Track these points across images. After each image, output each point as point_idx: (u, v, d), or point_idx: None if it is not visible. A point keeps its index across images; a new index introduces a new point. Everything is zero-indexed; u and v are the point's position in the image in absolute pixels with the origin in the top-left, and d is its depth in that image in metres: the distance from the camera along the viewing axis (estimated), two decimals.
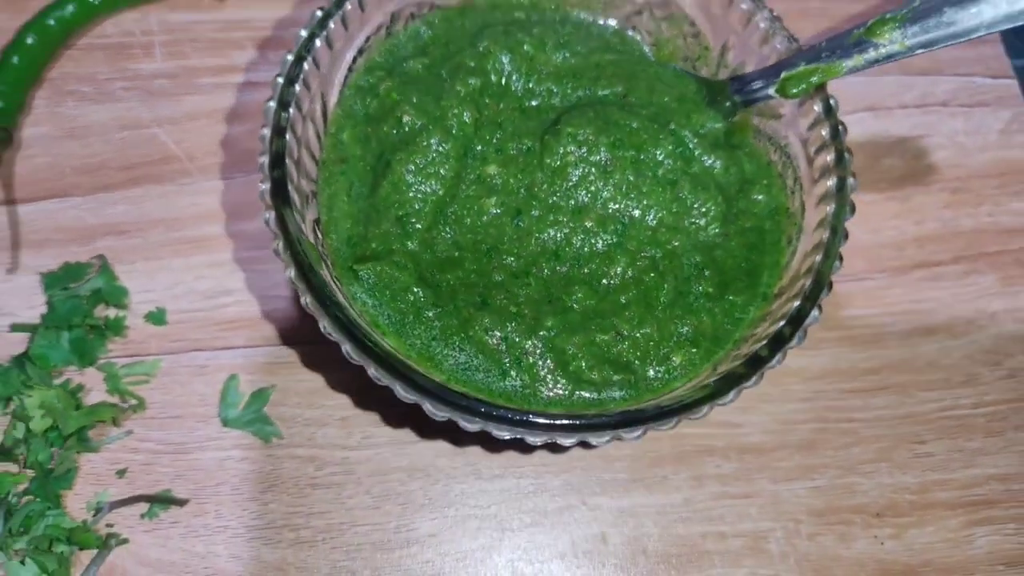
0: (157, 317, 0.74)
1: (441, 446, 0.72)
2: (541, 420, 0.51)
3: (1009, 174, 0.84)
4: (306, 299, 0.54)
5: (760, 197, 0.64)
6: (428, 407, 0.52)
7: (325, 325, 0.53)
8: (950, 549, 0.71)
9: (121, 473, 0.70)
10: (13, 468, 0.69)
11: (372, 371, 0.53)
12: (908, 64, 0.87)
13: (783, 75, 0.62)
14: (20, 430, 0.70)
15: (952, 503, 0.73)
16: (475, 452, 0.72)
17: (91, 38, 0.85)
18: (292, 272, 0.54)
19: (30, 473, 0.69)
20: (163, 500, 0.69)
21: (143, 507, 0.69)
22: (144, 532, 0.69)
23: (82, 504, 0.69)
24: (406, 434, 0.72)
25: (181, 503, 0.69)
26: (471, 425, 0.52)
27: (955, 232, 0.81)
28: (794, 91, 0.61)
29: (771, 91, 0.63)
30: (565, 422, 0.52)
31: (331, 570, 0.68)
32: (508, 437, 0.52)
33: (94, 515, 0.69)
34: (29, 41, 0.80)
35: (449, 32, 0.69)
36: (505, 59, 0.66)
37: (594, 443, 0.52)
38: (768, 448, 0.73)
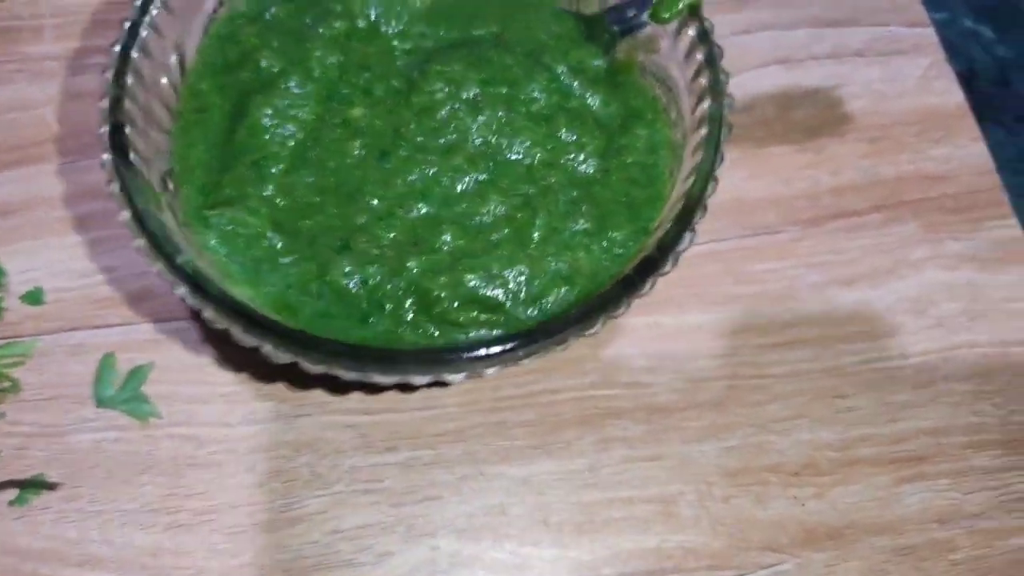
0: (34, 296, 0.71)
1: (330, 420, 0.68)
2: (388, 352, 0.48)
3: (929, 120, 0.81)
4: (139, 242, 0.51)
5: (643, 132, 0.61)
6: (268, 348, 0.49)
7: (160, 269, 0.50)
8: (878, 508, 0.67)
9: None
10: None
11: (208, 314, 0.49)
12: (820, 16, 0.85)
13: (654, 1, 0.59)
14: None
15: (878, 459, 0.68)
16: (366, 424, 0.68)
17: None
18: (125, 215, 0.51)
19: None
20: (34, 485, 0.65)
21: (12, 493, 0.65)
22: (13, 520, 0.64)
23: None
24: (292, 407, 0.68)
25: (52, 487, 0.65)
26: (315, 367, 0.48)
27: (874, 181, 0.78)
28: (665, 15, 0.58)
29: (644, 17, 0.60)
30: (414, 355, 0.48)
31: (209, 553, 0.64)
32: (352, 380, 0.48)
33: None
34: None
35: None
36: (373, 3, 0.63)
37: (448, 381, 0.48)
38: (677, 408, 0.69)
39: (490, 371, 0.48)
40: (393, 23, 0.64)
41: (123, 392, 0.68)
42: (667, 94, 0.62)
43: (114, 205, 0.72)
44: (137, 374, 0.68)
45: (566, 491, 0.66)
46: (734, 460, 0.67)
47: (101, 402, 0.68)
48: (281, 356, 0.49)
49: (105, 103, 0.54)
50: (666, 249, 0.51)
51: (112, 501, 0.65)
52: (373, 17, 0.63)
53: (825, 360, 0.71)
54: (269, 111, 0.58)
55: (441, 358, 0.48)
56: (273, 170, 0.58)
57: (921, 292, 0.74)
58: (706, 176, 0.53)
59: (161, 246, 0.50)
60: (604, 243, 0.57)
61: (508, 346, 0.48)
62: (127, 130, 0.53)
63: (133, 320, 0.71)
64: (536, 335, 0.48)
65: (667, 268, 0.51)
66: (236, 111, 0.60)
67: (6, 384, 0.68)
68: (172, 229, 0.52)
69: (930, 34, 0.85)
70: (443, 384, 0.65)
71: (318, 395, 0.68)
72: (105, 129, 0.53)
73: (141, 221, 0.51)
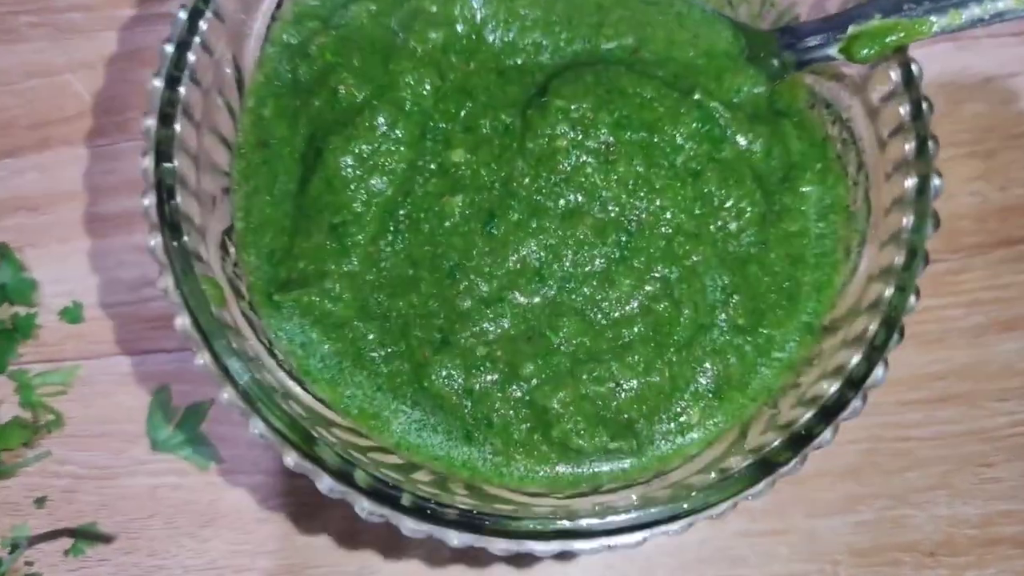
0: (73, 314, 0.63)
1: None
2: (503, 527, 0.39)
3: None
4: (202, 358, 0.41)
5: (810, 189, 0.49)
6: (363, 506, 0.40)
7: (227, 395, 0.41)
8: None
9: (40, 502, 0.61)
10: None
11: (289, 461, 0.40)
12: None
13: (851, 30, 0.46)
14: None
15: (1019, 539, 0.61)
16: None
17: None
18: (183, 321, 0.41)
19: None
20: (88, 535, 0.60)
21: (66, 543, 0.60)
22: (68, 572, 0.60)
23: None
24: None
25: (108, 539, 0.60)
26: (417, 529, 0.40)
27: None
28: (864, 53, 0.45)
29: (833, 51, 0.47)
30: (538, 528, 0.39)
31: None
32: (458, 544, 0.40)
33: (11, 552, 0.60)
34: None
35: None
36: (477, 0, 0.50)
37: (577, 551, 0.40)
38: (806, 475, 0.60)
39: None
40: (501, 28, 0.50)
41: (180, 433, 0.61)
42: (844, 138, 0.49)
43: None
44: (195, 413, 0.61)
45: (674, 566, 0.59)
46: (866, 537, 0.60)
47: (156, 445, 0.61)
48: (374, 517, 0.40)
49: (149, 161, 0.43)
50: (856, 385, 0.41)
51: (173, 556, 0.60)
52: (477, 20, 0.50)
53: (973, 421, 0.62)
54: (350, 159, 0.47)
55: (571, 532, 0.39)
56: (358, 237, 0.47)
57: None
58: (910, 289, 0.42)
59: (225, 369, 0.41)
60: (759, 343, 0.47)
61: (668, 526, 0.39)
62: (179, 198, 0.43)
63: (188, 345, 0.62)
64: (699, 508, 0.39)
65: (848, 413, 0.41)
66: (308, 150, 0.49)
67: (49, 417, 0.61)
68: (238, 328, 0.43)
69: None
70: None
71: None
72: (151, 202, 0.42)
73: (202, 330, 0.41)
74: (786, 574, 0.60)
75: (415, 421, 0.46)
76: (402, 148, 0.48)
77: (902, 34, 0.44)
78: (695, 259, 0.47)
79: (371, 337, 0.47)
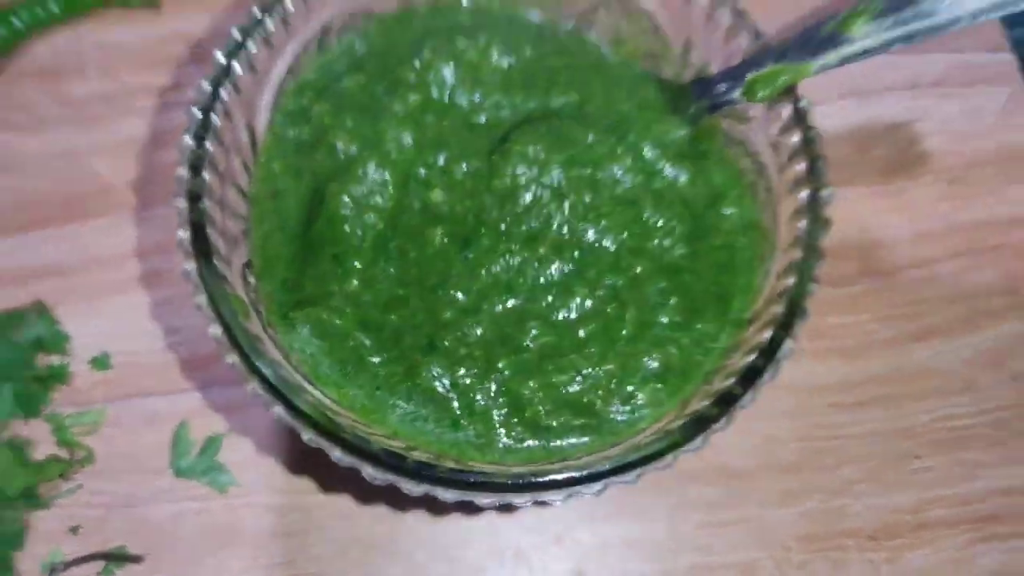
0: (101, 362, 0.70)
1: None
2: (487, 480, 0.47)
3: (1010, 160, 0.78)
4: (231, 359, 0.50)
5: (731, 211, 0.59)
6: (368, 471, 0.48)
7: (253, 388, 0.49)
8: (952, 570, 0.67)
9: (74, 530, 0.66)
10: None
11: (306, 436, 0.48)
12: None
13: (749, 76, 0.57)
14: None
15: (952, 520, 0.68)
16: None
17: (21, 63, 0.80)
18: (216, 329, 0.50)
19: None
20: (118, 558, 0.66)
21: (98, 566, 0.66)
22: None
23: (35, 564, 0.66)
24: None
25: (137, 560, 0.66)
26: (415, 489, 0.48)
27: (952, 227, 0.76)
28: (761, 94, 0.56)
29: (736, 95, 0.57)
30: (516, 482, 0.47)
31: None
32: (453, 500, 0.47)
33: (48, 575, 0.65)
34: None
35: (387, 43, 0.63)
36: (447, 71, 0.61)
37: (550, 501, 0.48)
38: (753, 471, 0.68)
39: (593, 490, 0.48)
40: (468, 93, 0.61)
41: (200, 461, 0.68)
42: (755, 168, 0.60)
43: (178, 262, 0.73)
44: (213, 443, 0.68)
45: (645, 556, 0.66)
46: (812, 525, 0.67)
47: (179, 472, 0.68)
48: (378, 478, 0.48)
49: (182, 202, 0.52)
50: (769, 356, 0.50)
51: (196, 575, 0.65)
52: (448, 86, 0.61)
53: (899, 419, 0.70)
54: (347, 199, 0.57)
55: (543, 484, 0.47)
56: (356, 263, 0.56)
57: (998, 345, 0.72)
58: (808, 278, 0.52)
59: (252, 364, 0.49)
60: (695, 336, 0.56)
61: (622, 476, 0.47)
62: (208, 231, 0.52)
63: (205, 383, 0.70)
64: (645, 459, 0.47)
65: (767, 377, 0.50)
66: (312, 197, 0.58)
67: (81, 454, 0.68)
68: (260, 338, 0.51)
69: (1009, 60, 0.82)
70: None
71: None
72: (186, 235, 0.52)
73: (232, 337, 0.50)
74: (747, 559, 0.66)
75: (409, 413, 0.54)
76: (390, 190, 0.58)
77: (789, 76, 0.55)
78: (637, 270, 0.57)
79: (369, 345, 0.55)
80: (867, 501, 0.68)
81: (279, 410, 0.49)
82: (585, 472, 0.47)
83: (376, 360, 0.55)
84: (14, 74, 0.79)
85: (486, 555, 0.66)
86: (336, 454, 0.48)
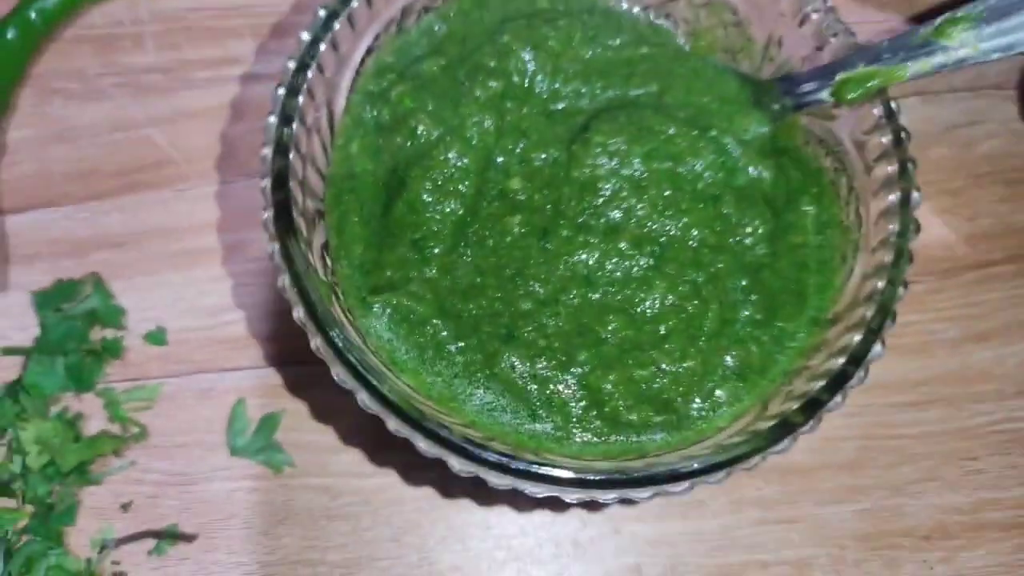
0: (157, 337, 0.70)
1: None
2: (577, 476, 0.47)
3: None
4: (316, 342, 0.49)
5: (810, 209, 0.59)
6: (454, 463, 0.48)
7: (338, 373, 0.49)
8: (1004, 574, 0.67)
9: (125, 507, 0.66)
10: (11, 503, 0.65)
11: (391, 424, 0.48)
12: None
13: (839, 77, 0.56)
14: (17, 463, 0.66)
15: (1005, 524, 0.68)
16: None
17: (77, 29, 0.78)
18: (299, 312, 0.49)
19: (29, 508, 0.65)
20: (171, 536, 0.66)
21: (150, 543, 0.65)
22: (152, 570, 0.65)
23: (85, 540, 0.65)
24: (424, 460, 0.67)
25: (190, 539, 0.66)
26: (500, 482, 0.47)
27: (1010, 228, 0.76)
28: (851, 96, 0.55)
29: (824, 95, 0.57)
30: (604, 478, 0.47)
31: None
32: (542, 496, 0.47)
33: (99, 552, 0.65)
34: (10, 36, 0.74)
35: (466, 27, 0.62)
36: (528, 57, 0.60)
37: (636, 499, 0.47)
38: (811, 469, 0.68)
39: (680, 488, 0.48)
40: (548, 80, 0.60)
41: (256, 440, 0.67)
42: (836, 166, 0.59)
43: (237, 238, 0.72)
44: (269, 422, 0.68)
45: (701, 552, 0.66)
46: (867, 523, 0.67)
47: (235, 451, 0.67)
48: (463, 471, 0.48)
49: (267, 182, 0.52)
50: (858, 361, 0.50)
51: (250, 553, 0.65)
52: (528, 73, 0.60)
53: (956, 421, 0.70)
54: (428, 185, 0.56)
55: (632, 481, 0.47)
56: (435, 250, 0.56)
57: None
58: (899, 282, 0.51)
59: (337, 348, 0.48)
60: (774, 333, 0.56)
61: (710, 476, 0.47)
62: (293, 212, 0.51)
63: (261, 363, 0.69)
64: (732, 460, 0.47)
65: (855, 382, 0.50)
66: (390, 179, 0.58)
67: (134, 430, 0.68)
68: (342, 322, 0.50)
69: None
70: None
71: None
72: (270, 215, 0.51)
73: (316, 318, 0.49)
74: (802, 556, 0.66)
75: (487, 403, 0.54)
76: (470, 176, 0.57)
77: (881, 79, 0.54)
78: (718, 266, 0.56)
79: (448, 333, 0.54)
80: (923, 501, 0.68)
81: (364, 397, 0.48)
82: (674, 471, 0.47)
83: (454, 348, 0.54)
84: (70, 41, 0.78)
85: (544, 545, 0.66)
86: (421, 444, 0.48)
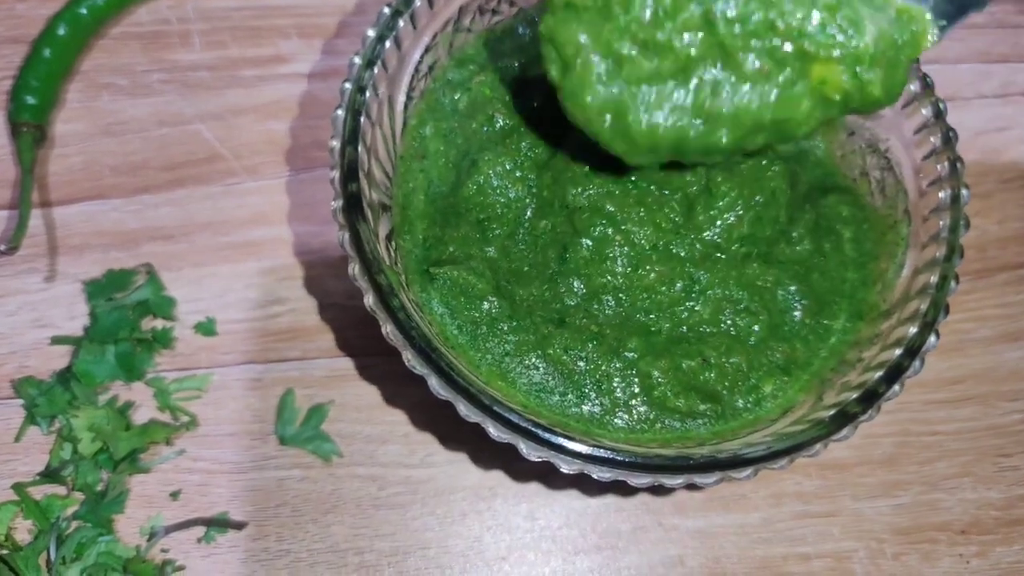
0: (207, 328, 0.71)
1: (506, 464, 0.68)
2: (645, 461, 0.48)
3: None
4: (387, 328, 0.50)
5: (839, 203, 0.61)
6: (523, 447, 0.49)
7: (409, 358, 0.50)
8: None
9: (175, 495, 0.67)
10: (61, 490, 0.66)
11: (462, 408, 0.49)
12: (988, 51, 0.83)
13: None
14: (67, 450, 0.67)
15: None
16: (542, 468, 0.68)
17: (125, 26, 0.79)
18: (370, 299, 0.51)
19: (79, 496, 0.66)
20: (220, 523, 0.66)
21: (199, 531, 0.66)
22: (201, 558, 0.66)
23: (135, 528, 0.66)
24: (470, 451, 0.69)
25: (239, 526, 0.66)
26: (569, 467, 0.49)
27: None
28: None
29: None
30: (670, 463, 0.48)
31: None
32: (609, 479, 0.48)
33: (148, 540, 0.66)
34: (60, 32, 0.75)
35: None
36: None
37: (701, 484, 0.49)
38: (850, 464, 0.70)
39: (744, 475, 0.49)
40: None
41: (305, 430, 0.68)
42: (882, 164, 0.61)
43: (284, 232, 0.73)
44: (318, 412, 0.69)
45: (742, 545, 0.67)
46: (905, 518, 0.69)
47: (284, 440, 0.68)
48: (533, 455, 0.49)
49: (336, 174, 0.53)
50: (914, 353, 0.51)
51: (300, 540, 0.66)
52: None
53: (990, 418, 0.72)
54: (499, 169, 0.57)
55: (699, 466, 0.48)
56: (497, 231, 0.57)
57: None
58: (951, 276, 0.53)
59: (408, 333, 0.50)
60: (820, 332, 0.57)
61: (774, 462, 0.48)
62: (363, 203, 0.52)
63: (309, 355, 0.70)
64: (796, 447, 0.48)
65: (911, 373, 0.51)
66: (462, 161, 0.59)
67: (185, 419, 0.69)
68: (408, 308, 0.51)
69: None
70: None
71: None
72: (340, 204, 0.52)
73: (386, 305, 0.50)
74: (841, 550, 0.68)
75: (536, 384, 0.55)
76: (537, 169, 0.58)
77: None
78: (767, 280, 0.58)
79: (502, 311, 0.55)
80: (959, 496, 0.70)
81: (435, 382, 0.49)
82: (738, 456, 0.48)
83: (507, 327, 0.56)
84: (117, 38, 0.79)
85: (587, 536, 0.67)
86: (491, 429, 0.49)
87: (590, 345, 0.55)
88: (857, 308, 0.58)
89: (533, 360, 0.56)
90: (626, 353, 0.55)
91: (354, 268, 0.51)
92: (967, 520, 0.69)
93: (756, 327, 0.57)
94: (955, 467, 0.70)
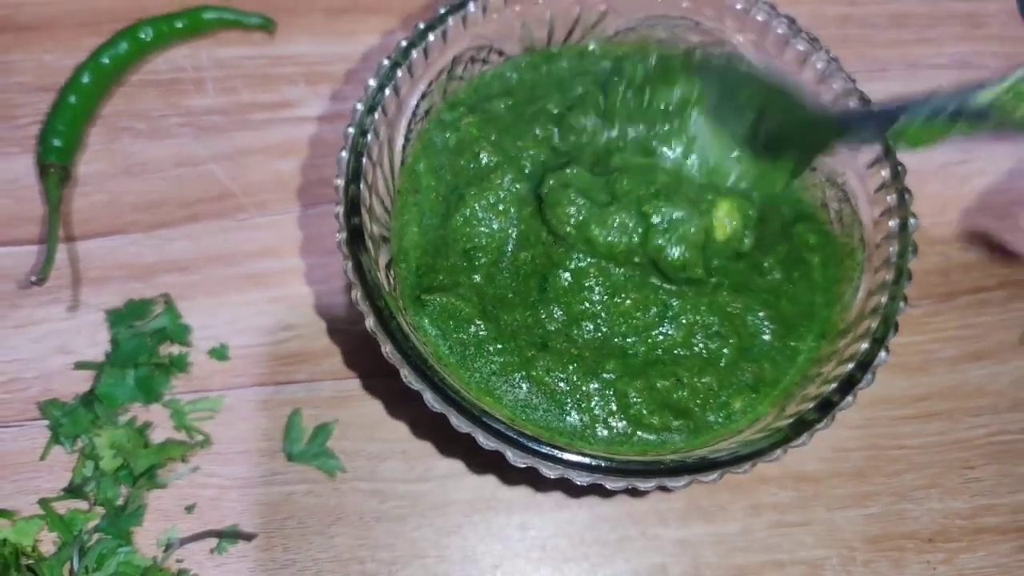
0: (220, 353, 0.76)
1: (498, 478, 0.73)
2: (618, 466, 0.53)
3: None
4: (386, 348, 0.55)
5: (807, 232, 0.66)
6: (510, 454, 0.54)
7: (406, 374, 0.55)
8: (1001, 574, 0.72)
9: (190, 509, 0.72)
10: (83, 505, 0.71)
11: (454, 419, 0.54)
12: (948, 76, 0.88)
13: (901, 123, 0.53)
14: (89, 468, 0.71)
15: (1002, 528, 0.74)
16: (532, 482, 0.73)
17: (143, 75, 0.86)
18: (371, 321, 0.56)
19: (100, 510, 0.71)
20: (231, 535, 0.71)
21: (212, 542, 0.71)
22: (214, 567, 0.70)
23: (151, 540, 0.71)
24: (463, 466, 0.73)
25: (249, 538, 0.71)
26: (551, 472, 0.53)
27: (1000, 257, 0.82)
28: (920, 144, 0.53)
29: (881, 137, 0.60)
30: (643, 468, 0.53)
31: None
32: (587, 483, 0.53)
33: (164, 551, 0.70)
34: (85, 80, 0.81)
35: (535, 78, 0.70)
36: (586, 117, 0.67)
37: (671, 487, 0.53)
38: (823, 476, 0.74)
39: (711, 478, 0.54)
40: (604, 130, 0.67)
41: (311, 447, 0.73)
42: (840, 196, 0.66)
43: (290, 263, 0.79)
44: (323, 431, 0.74)
45: (722, 553, 0.72)
46: (875, 527, 0.73)
47: (291, 457, 0.73)
48: (519, 462, 0.54)
49: (340, 208, 0.58)
50: (865, 367, 0.56)
51: (305, 551, 0.71)
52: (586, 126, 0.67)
53: (955, 432, 0.76)
54: (483, 202, 0.63)
55: (668, 470, 0.53)
56: (482, 260, 0.63)
57: None
58: (899, 297, 0.58)
59: (406, 353, 0.55)
60: (787, 352, 0.62)
61: (738, 466, 0.53)
62: (364, 235, 0.58)
63: (316, 377, 0.75)
64: (757, 452, 0.53)
65: (863, 384, 0.56)
66: (450, 195, 0.65)
67: (199, 438, 0.73)
68: (407, 331, 0.57)
69: None
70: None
71: (492, 455, 0.73)
72: (344, 236, 0.57)
73: (386, 327, 0.55)
74: (815, 557, 0.72)
75: (521, 400, 0.60)
76: (518, 202, 0.64)
77: (942, 131, 0.51)
78: (736, 307, 0.63)
79: (488, 334, 0.60)
80: (926, 506, 0.74)
81: (429, 396, 0.54)
82: (705, 460, 0.53)
83: (492, 349, 0.61)
84: (136, 85, 0.85)
85: (576, 545, 0.71)
86: (480, 438, 0.54)
87: (571, 367, 0.60)
88: (822, 329, 0.63)
89: (517, 380, 0.61)
90: (604, 374, 0.60)
91: (356, 294, 0.56)
92: (934, 529, 0.73)
93: (726, 350, 0.62)
94: (922, 479, 0.75)
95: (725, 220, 0.61)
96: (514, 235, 0.64)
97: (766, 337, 0.62)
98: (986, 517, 0.74)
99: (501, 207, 0.64)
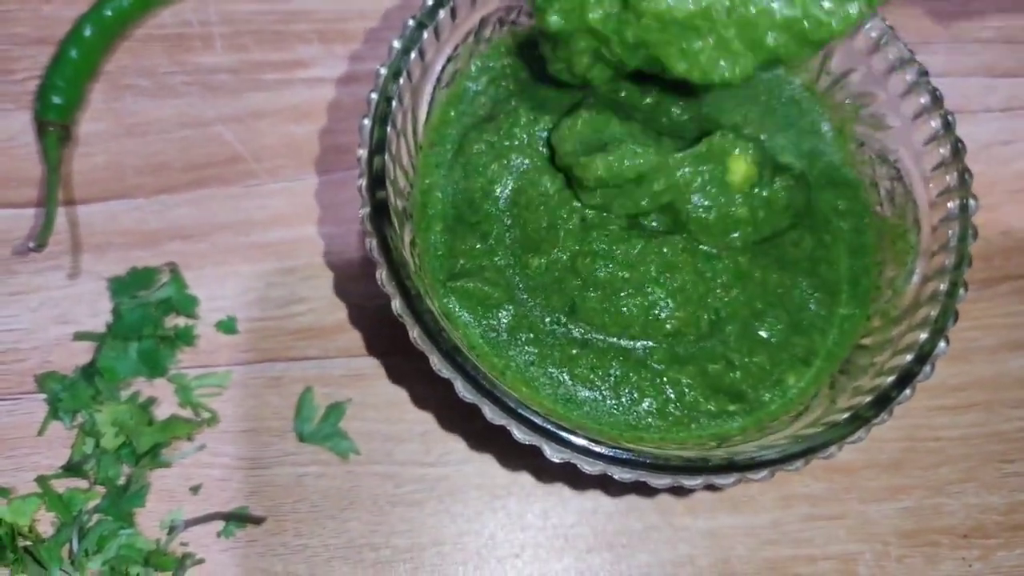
0: (228, 326, 0.72)
1: (521, 464, 0.70)
2: (665, 463, 0.49)
3: None
4: (414, 333, 0.52)
5: (835, 198, 0.63)
6: (546, 449, 0.50)
7: (436, 361, 0.51)
8: None
9: (195, 489, 0.68)
10: (83, 484, 0.67)
11: (487, 411, 0.50)
12: (994, 65, 0.85)
13: None
14: (89, 445, 0.68)
15: None
16: (558, 469, 0.70)
17: (148, 28, 0.81)
18: (398, 303, 0.52)
19: (101, 489, 0.67)
20: (239, 518, 0.68)
21: (218, 525, 0.67)
22: (220, 551, 0.67)
23: (155, 521, 0.67)
24: (485, 450, 0.70)
25: (258, 521, 0.68)
26: (592, 468, 0.50)
27: None
28: None
29: None
30: (690, 464, 0.50)
31: None
32: (630, 479, 0.50)
33: (168, 533, 0.67)
34: (87, 33, 0.76)
35: None
36: None
37: (719, 485, 0.50)
38: (856, 467, 0.71)
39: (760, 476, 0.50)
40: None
41: (323, 427, 0.70)
42: (892, 175, 0.62)
43: (304, 233, 0.75)
44: (336, 410, 0.70)
45: (751, 545, 0.69)
46: (910, 521, 0.70)
47: (303, 437, 0.69)
48: (556, 457, 0.50)
49: (363, 181, 0.54)
50: (924, 359, 0.53)
51: (317, 536, 0.68)
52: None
53: (993, 424, 0.73)
54: (485, 149, 0.61)
55: (717, 468, 0.50)
56: (498, 236, 0.60)
57: None
58: (960, 283, 0.55)
59: (435, 337, 0.51)
60: (834, 320, 0.59)
61: (790, 464, 0.50)
62: (390, 211, 0.54)
63: (329, 354, 0.72)
64: (810, 450, 0.50)
65: (921, 377, 0.53)
66: (469, 165, 0.61)
67: (205, 415, 0.70)
68: (433, 312, 0.53)
69: None
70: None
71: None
72: (367, 211, 0.53)
73: (414, 310, 0.52)
74: (847, 552, 0.69)
75: (561, 394, 0.57)
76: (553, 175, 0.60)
77: None
78: (778, 291, 0.60)
79: (520, 322, 0.57)
80: (962, 501, 0.71)
81: (460, 385, 0.50)
82: (754, 459, 0.50)
83: (524, 338, 0.57)
84: (141, 40, 0.80)
85: (599, 535, 0.69)
86: (516, 432, 0.50)
87: (615, 363, 0.57)
88: (862, 295, 0.60)
89: (557, 373, 0.57)
90: (653, 364, 0.57)
91: (382, 274, 0.53)
92: (970, 524, 0.71)
93: (779, 326, 0.59)
94: (959, 472, 0.72)
95: (739, 165, 0.58)
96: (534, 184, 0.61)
97: (812, 307, 0.60)
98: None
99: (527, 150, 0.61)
